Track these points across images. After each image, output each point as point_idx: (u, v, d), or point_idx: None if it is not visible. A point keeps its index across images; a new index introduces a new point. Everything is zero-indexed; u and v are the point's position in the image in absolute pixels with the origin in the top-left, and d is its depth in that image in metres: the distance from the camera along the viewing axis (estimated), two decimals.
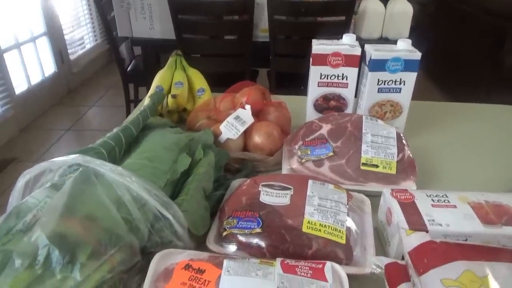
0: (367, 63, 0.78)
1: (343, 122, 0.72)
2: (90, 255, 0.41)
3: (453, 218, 0.52)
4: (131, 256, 0.45)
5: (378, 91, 0.79)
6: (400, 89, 0.78)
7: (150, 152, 0.59)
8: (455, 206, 0.54)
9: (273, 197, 0.57)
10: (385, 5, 1.99)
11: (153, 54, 2.28)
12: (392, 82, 0.78)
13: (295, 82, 2.06)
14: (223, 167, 0.70)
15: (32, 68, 2.76)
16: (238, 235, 0.53)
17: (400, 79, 0.77)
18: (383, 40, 2.05)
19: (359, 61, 0.78)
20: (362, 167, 0.67)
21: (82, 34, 3.47)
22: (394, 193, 0.57)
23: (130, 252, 0.45)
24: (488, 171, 0.77)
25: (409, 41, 0.77)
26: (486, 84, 2.66)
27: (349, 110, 0.83)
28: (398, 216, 0.53)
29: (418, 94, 0.83)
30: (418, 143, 0.83)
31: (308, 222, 0.53)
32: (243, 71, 2.09)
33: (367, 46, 0.79)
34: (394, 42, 0.80)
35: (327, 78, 0.80)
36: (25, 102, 2.66)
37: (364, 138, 0.69)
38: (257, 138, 0.76)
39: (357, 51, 0.77)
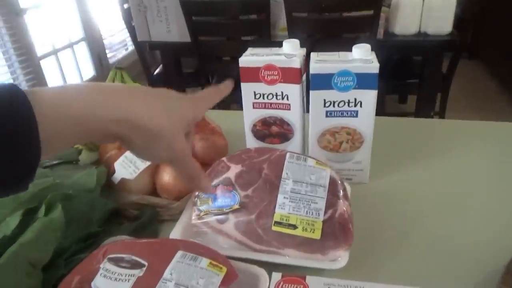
0: (309, 78, 0.58)
1: (258, 162, 0.53)
2: None
3: None
4: None
5: (327, 115, 0.59)
6: (357, 112, 0.57)
7: None
8: None
9: (110, 281, 0.41)
10: None
11: (172, 58, 2.19)
12: (344, 103, 0.57)
13: None
14: (103, 218, 0.55)
15: (70, 73, 2.81)
16: None
17: (355, 99, 0.57)
18: (421, 35, 1.75)
19: (300, 75, 0.58)
20: (275, 228, 0.49)
21: (122, 38, 3.51)
22: (281, 284, 0.38)
23: None
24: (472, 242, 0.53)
25: (368, 46, 0.56)
26: None
27: (297, 137, 0.64)
28: None
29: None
30: (385, 184, 0.62)
31: None
32: None
33: (312, 55, 0.59)
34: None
35: (263, 98, 0.61)
36: None
37: (282, 186, 0.50)
38: (165, 177, 0.59)
39: (296, 63, 0.57)
